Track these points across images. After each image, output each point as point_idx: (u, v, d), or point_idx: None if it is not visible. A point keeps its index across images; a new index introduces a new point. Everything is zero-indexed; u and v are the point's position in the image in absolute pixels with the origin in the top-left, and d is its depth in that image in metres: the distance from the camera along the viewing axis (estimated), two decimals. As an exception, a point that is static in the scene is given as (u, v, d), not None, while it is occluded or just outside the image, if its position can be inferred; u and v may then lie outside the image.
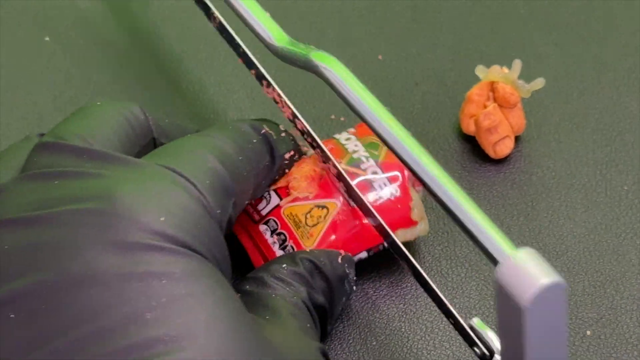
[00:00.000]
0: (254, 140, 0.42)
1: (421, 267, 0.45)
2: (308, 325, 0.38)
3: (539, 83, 0.51)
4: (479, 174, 0.51)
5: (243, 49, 0.45)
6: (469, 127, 0.51)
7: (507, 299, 0.28)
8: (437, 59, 0.57)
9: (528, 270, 0.28)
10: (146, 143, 0.41)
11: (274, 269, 0.40)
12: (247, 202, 0.42)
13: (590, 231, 0.48)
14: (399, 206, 0.44)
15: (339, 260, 0.42)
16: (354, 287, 0.43)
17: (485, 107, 0.51)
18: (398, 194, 0.44)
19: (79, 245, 0.32)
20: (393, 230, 0.43)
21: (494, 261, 0.30)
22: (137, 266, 0.31)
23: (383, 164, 0.45)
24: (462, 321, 0.39)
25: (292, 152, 0.44)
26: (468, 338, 0.38)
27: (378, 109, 0.34)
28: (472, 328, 0.37)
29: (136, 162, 0.36)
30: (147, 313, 0.30)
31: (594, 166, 0.51)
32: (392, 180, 0.44)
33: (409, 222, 0.44)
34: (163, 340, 0.30)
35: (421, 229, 0.45)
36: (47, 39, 0.59)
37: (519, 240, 0.48)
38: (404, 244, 0.43)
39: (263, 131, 0.43)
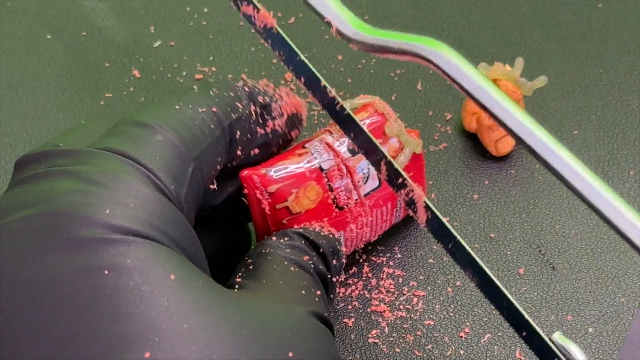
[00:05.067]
0: (226, 94, 0.40)
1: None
2: (305, 284, 0.37)
3: (541, 81, 0.51)
4: (481, 171, 0.51)
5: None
6: (471, 125, 0.51)
7: None
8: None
9: None
10: None
11: (271, 244, 0.39)
12: (228, 155, 0.40)
13: (592, 228, 0.48)
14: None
15: (329, 235, 0.41)
16: (344, 264, 0.43)
17: (487, 104, 0.51)
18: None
19: (25, 253, 0.30)
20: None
21: None
22: (86, 262, 0.30)
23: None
24: (543, 335, 0.36)
25: (285, 110, 0.43)
26: (545, 354, 0.35)
27: (498, 94, 0.32)
28: (553, 343, 0.35)
29: (81, 152, 0.34)
30: (102, 309, 0.29)
31: (596, 163, 0.51)
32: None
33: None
34: (124, 335, 0.28)
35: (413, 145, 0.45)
36: (48, 37, 0.59)
37: (521, 238, 0.48)
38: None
39: (239, 83, 0.41)
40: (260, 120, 0.41)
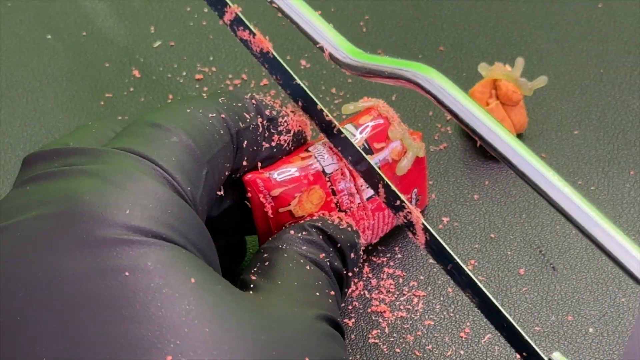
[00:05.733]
0: (235, 104, 0.40)
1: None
2: (320, 285, 0.37)
3: (541, 81, 0.51)
4: (481, 171, 0.51)
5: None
6: (471, 125, 0.51)
7: None
8: (439, 57, 0.57)
9: None
10: None
11: (288, 238, 0.39)
12: (234, 164, 0.40)
13: (592, 229, 0.48)
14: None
15: (348, 228, 0.41)
16: (361, 259, 0.42)
17: (487, 104, 0.51)
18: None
19: (43, 252, 0.30)
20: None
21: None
22: (106, 262, 0.29)
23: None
24: (542, 355, 0.36)
25: (291, 126, 0.42)
26: None
27: (487, 118, 0.32)
28: None
29: (97, 152, 0.34)
30: (123, 310, 0.28)
31: (596, 164, 0.51)
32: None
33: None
34: (146, 337, 0.28)
35: (415, 149, 0.45)
36: (48, 37, 0.59)
37: (521, 238, 0.48)
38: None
39: (246, 96, 0.41)
40: (267, 134, 0.41)
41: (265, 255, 0.38)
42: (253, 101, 0.41)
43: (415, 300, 0.46)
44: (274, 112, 0.41)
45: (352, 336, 0.44)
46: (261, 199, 0.41)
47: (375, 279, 0.46)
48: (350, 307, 0.45)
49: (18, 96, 0.56)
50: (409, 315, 0.45)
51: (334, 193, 0.42)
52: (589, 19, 0.59)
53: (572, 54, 0.57)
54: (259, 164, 0.42)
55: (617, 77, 0.55)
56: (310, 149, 0.43)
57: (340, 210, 0.43)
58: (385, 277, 0.46)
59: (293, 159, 0.42)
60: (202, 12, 0.60)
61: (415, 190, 0.46)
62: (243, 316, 0.30)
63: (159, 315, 0.29)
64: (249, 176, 0.41)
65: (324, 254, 0.39)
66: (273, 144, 0.42)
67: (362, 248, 0.43)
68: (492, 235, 0.48)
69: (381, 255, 0.47)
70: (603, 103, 0.54)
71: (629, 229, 0.48)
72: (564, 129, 0.53)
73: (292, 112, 0.42)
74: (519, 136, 0.52)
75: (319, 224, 0.40)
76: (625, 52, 0.57)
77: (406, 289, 0.46)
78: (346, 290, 0.41)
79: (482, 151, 0.52)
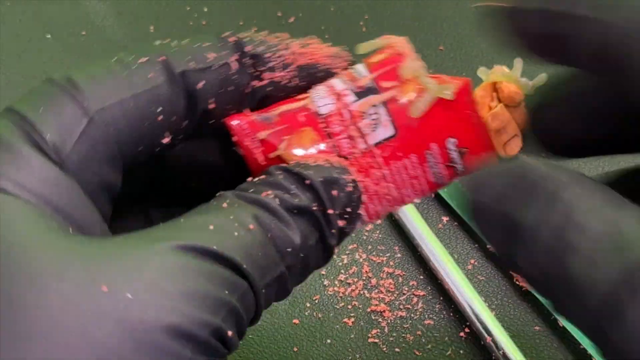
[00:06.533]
0: (195, 45, 0.37)
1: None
2: (230, 220, 0.32)
3: (541, 79, 0.50)
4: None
5: None
6: (472, 126, 0.51)
7: None
8: (439, 56, 0.57)
9: None
10: None
11: (242, 186, 0.35)
12: (187, 106, 0.36)
13: (592, 228, 0.48)
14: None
15: (324, 165, 0.36)
16: (354, 194, 0.36)
17: (490, 108, 0.51)
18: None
19: None
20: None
21: None
22: None
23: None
24: None
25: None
26: None
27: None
28: None
29: None
30: None
31: (596, 163, 0.51)
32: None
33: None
34: None
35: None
36: (48, 36, 0.59)
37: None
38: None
39: (225, 35, 0.37)
40: (253, 72, 0.38)
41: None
42: (232, 38, 0.38)
43: (415, 299, 0.46)
44: (261, 47, 0.38)
45: (352, 335, 0.44)
46: (247, 144, 0.38)
47: (374, 278, 0.46)
48: (350, 307, 0.45)
49: (18, 96, 0.55)
50: (408, 315, 0.45)
51: (329, 136, 0.38)
52: (589, 18, 0.59)
53: (573, 54, 0.57)
54: (256, 105, 0.38)
55: (618, 76, 0.55)
56: (310, 90, 0.39)
57: (340, 157, 0.38)
58: (384, 276, 0.46)
59: (288, 101, 0.39)
60: (202, 11, 0.60)
61: (454, 140, 0.39)
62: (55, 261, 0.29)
63: None
64: (231, 119, 0.38)
65: (270, 192, 0.34)
66: (264, 82, 0.38)
67: (394, 208, 0.38)
68: (492, 235, 0.48)
69: (381, 254, 0.47)
70: (603, 103, 0.54)
71: (629, 228, 0.48)
72: (564, 129, 0.53)
73: (299, 45, 0.38)
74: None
75: (285, 166, 0.36)
76: (626, 51, 0.57)
77: (406, 289, 0.46)
78: (333, 231, 0.34)
79: (482, 151, 0.52)
